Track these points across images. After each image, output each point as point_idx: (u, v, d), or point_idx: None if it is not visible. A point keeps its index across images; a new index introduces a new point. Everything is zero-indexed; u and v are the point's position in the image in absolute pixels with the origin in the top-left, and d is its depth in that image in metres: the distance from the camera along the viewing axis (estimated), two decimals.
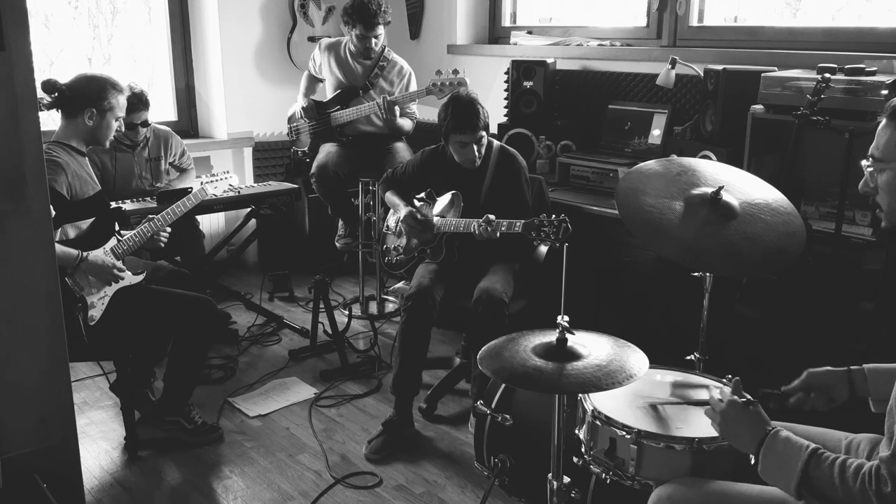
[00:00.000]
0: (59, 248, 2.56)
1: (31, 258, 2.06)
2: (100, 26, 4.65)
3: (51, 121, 4.20)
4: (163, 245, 2.93)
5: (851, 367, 1.73)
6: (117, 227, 2.84)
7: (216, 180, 3.21)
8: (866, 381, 1.70)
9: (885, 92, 2.44)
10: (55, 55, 4.50)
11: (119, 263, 2.75)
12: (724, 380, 1.99)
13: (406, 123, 4.05)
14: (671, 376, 2.03)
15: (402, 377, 2.99)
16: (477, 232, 2.87)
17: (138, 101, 3.56)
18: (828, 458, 1.42)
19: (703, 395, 1.92)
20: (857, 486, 1.35)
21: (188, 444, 2.95)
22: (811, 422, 1.81)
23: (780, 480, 1.47)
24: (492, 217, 2.84)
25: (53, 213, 2.50)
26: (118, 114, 2.87)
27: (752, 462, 1.69)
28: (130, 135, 3.65)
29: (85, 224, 2.78)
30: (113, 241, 2.79)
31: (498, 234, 2.82)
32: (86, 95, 2.78)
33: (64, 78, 2.82)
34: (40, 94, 2.75)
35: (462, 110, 3.03)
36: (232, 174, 3.30)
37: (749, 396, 1.61)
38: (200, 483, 2.75)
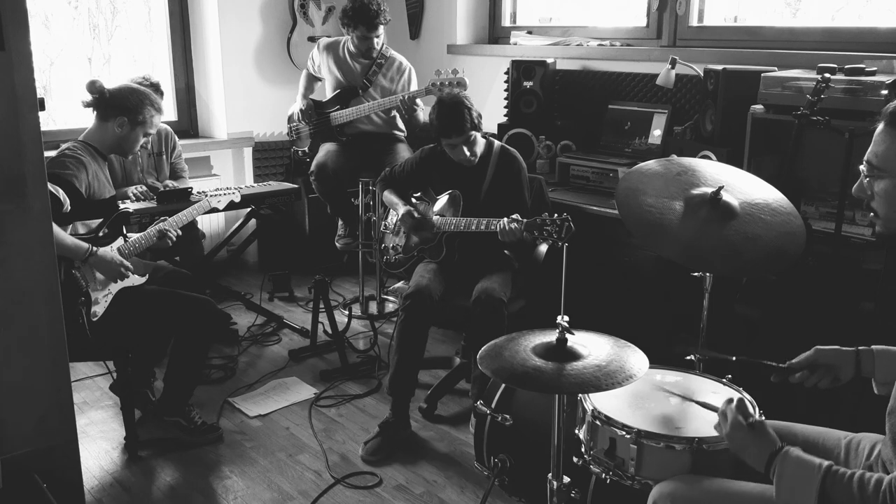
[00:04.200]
0: (70, 239, 2.60)
1: (31, 258, 2.06)
2: (100, 26, 4.65)
3: (51, 121, 4.21)
4: (170, 244, 2.96)
5: (860, 348, 1.74)
6: (124, 230, 2.86)
7: (220, 195, 3.33)
8: (874, 361, 1.71)
9: (885, 92, 2.44)
10: (55, 55, 4.50)
11: (127, 262, 2.76)
12: (724, 380, 2.00)
13: (421, 115, 4.05)
14: (671, 376, 2.03)
15: (399, 377, 2.99)
16: (500, 230, 2.84)
17: (156, 90, 3.69)
18: (844, 474, 1.39)
19: (704, 396, 1.92)
20: (880, 501, 1.33)
21: (188, 444, 2.95)
22: (810, 422, 1.81)
23: (798, 502, 1.42)
24: (517, 216, 2.80)
25: (69, 207, 2.54)
26: (148, 129, 2.97)
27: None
28: None
29: (94, 223, 2.81)
30: (120, 242, 2.80)
31: (524, 234, 2.76)
32: (123, 104, 2.89)
33: (66, 77, 2.84)
34: (83, 93, 2.89)
35: (446, 114, 3.02)
36: (235, 190, 3.42)
37: (754, 416, 1.59)
38: (200, 483, 2.75)
